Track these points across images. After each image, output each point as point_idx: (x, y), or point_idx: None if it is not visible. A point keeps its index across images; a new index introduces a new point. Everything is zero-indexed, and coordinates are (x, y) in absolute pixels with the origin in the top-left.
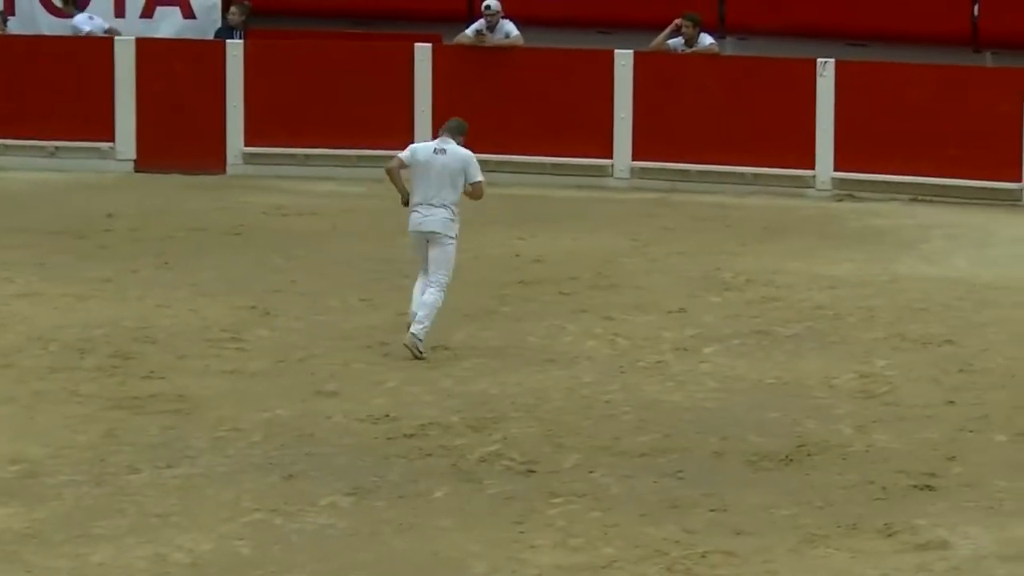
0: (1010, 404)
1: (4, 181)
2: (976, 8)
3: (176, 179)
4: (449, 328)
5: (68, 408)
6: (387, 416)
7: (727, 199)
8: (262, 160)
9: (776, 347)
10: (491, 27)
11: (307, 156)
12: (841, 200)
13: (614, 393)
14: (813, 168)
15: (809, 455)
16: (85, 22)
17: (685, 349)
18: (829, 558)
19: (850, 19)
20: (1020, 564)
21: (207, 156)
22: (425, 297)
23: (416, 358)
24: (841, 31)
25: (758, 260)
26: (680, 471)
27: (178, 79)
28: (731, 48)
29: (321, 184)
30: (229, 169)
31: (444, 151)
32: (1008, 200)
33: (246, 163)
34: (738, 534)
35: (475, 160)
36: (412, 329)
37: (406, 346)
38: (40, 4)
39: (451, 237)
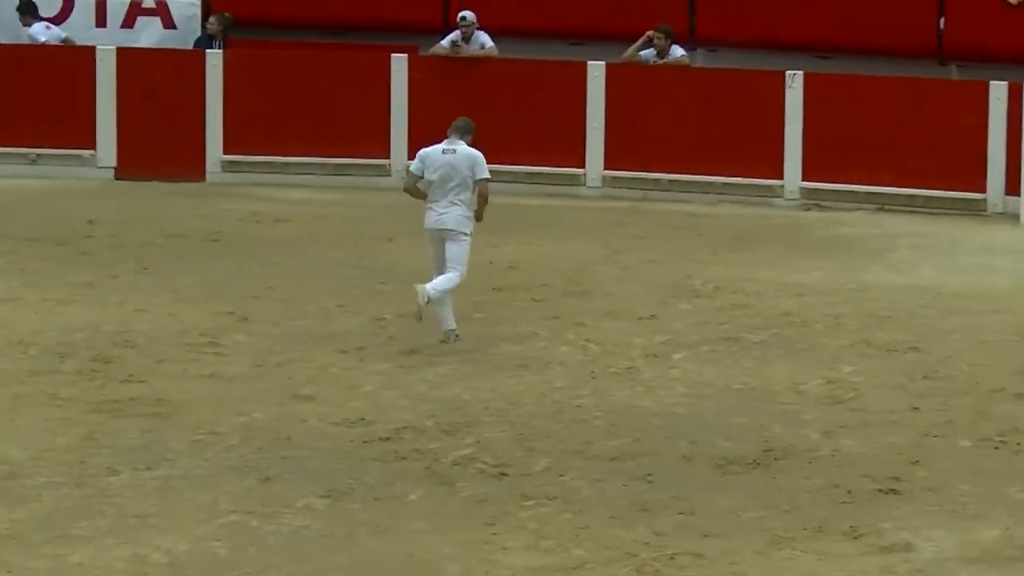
0: (973, 410)
1: None
2: (942, 22)
3: (156, 186)
4: (423, 334)
5: (48, 411)
6: (362, 420)
7: (697, 208)
8: (241, 168)
9: (744, 353)
10: (466, 38)
11: (285, 164)
12: (809, 209)
13: (585, 398)
14: (782, 178)
15: (776, 459)
16: (42, 32)
17: (655, 355)
18: (795, 560)
19: (819, 32)
20: (982, 567)
21: (187, 164)
22: (442, 276)
23: (417, 314)
24: (810, 44)
25: (727, 268)
26: (650, 475)
27: (158, 88)
28: (702, 60)
29: (299, 191)
30: (208, 177)
31: (454, 151)
32: (973, 210)
33: (225, 171)
34: (706, 536)
35: (483, 159)
36: (427, 285)
37: (416, 294)
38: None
39: (466, 233)
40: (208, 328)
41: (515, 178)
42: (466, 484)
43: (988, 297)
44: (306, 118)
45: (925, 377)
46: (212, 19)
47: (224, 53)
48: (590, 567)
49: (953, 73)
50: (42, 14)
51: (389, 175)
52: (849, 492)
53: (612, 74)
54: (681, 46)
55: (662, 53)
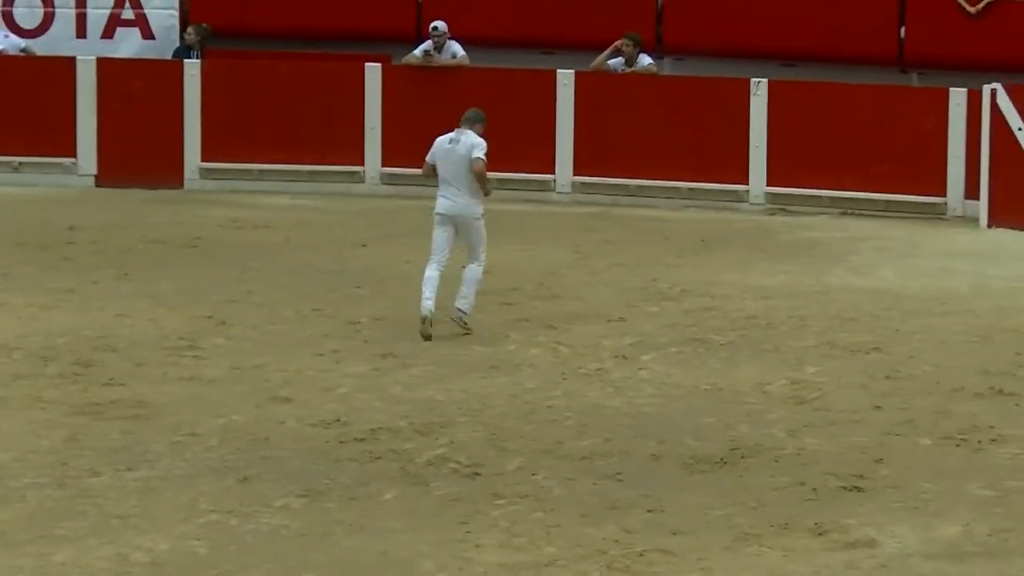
0: (934, 409)
1: None
2: (903, 31)
3: (136, 193)
4: (396, 337)
5: (31, 414)
6: (338, 421)
7: (664, 213)
8: (218, 175)
9: (711, 355)
10: (438, 48)
11: (262, 171)
12: (774, 214)
13: (556, 399)
14: (747, 183)
15: (743, 458)
16: (0, 40)
17: (624, 357)
18: (762, 556)
19: (783, 41)
20: (944, 562)
21: (166, 171)
22: (466, 274)
23: (464, 332)
24: (774, 52)
25: (694, 271)
26: (619, 473)
27: (138, 97)
28: (669, 68)
29: (275, 198)
30: (187, 184)
31: (458, 140)
32: (933, 214)
33: (203, 178)
34: (675, 534)
35: (482, 143)
36: (456, 304)
37: (453, 320)
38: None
39: (477, 217)
40: (187, 332)
41: None
42: (440, 483)
43: (948, 299)
44: (282, 126)
45: (887, 377)
46: (190, 30)
47: (202, 63)
48: (561, 564)
49: (914, 80)
50: (24, 26)
51: (363, 182)
52: (814, 490)
53: (581, 82)
54: (649, 54)
55: (630, 60)
